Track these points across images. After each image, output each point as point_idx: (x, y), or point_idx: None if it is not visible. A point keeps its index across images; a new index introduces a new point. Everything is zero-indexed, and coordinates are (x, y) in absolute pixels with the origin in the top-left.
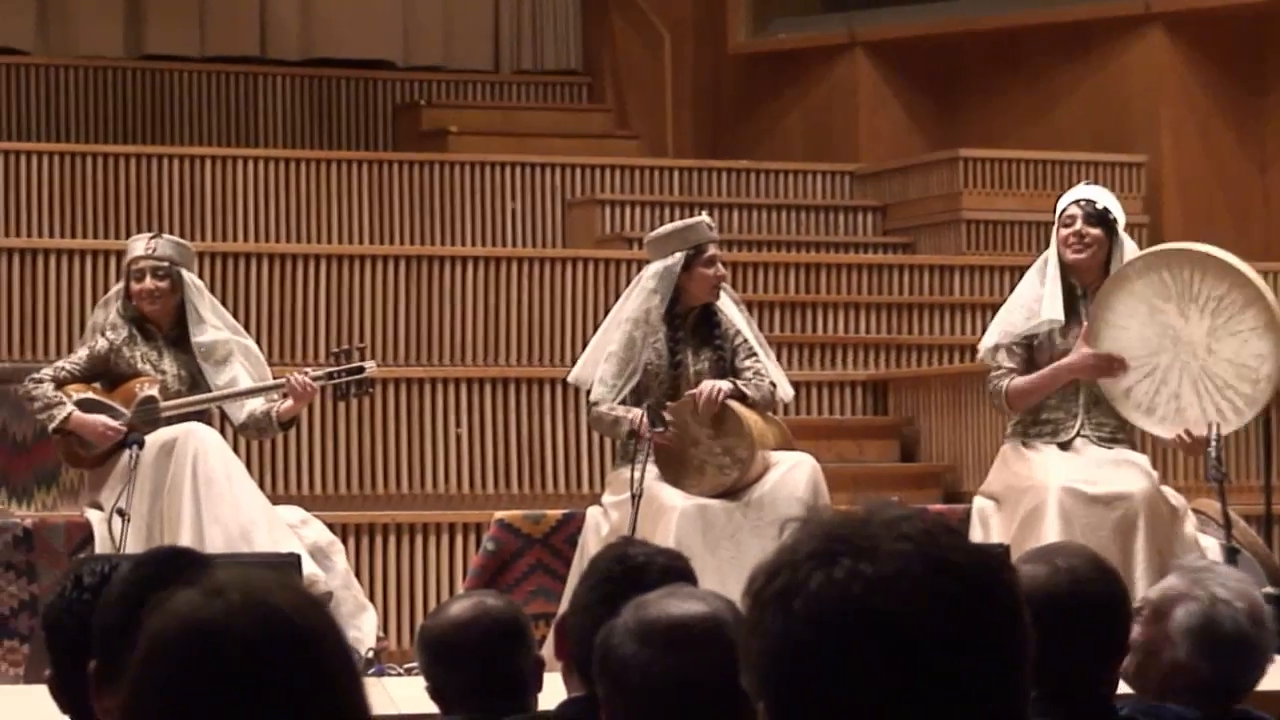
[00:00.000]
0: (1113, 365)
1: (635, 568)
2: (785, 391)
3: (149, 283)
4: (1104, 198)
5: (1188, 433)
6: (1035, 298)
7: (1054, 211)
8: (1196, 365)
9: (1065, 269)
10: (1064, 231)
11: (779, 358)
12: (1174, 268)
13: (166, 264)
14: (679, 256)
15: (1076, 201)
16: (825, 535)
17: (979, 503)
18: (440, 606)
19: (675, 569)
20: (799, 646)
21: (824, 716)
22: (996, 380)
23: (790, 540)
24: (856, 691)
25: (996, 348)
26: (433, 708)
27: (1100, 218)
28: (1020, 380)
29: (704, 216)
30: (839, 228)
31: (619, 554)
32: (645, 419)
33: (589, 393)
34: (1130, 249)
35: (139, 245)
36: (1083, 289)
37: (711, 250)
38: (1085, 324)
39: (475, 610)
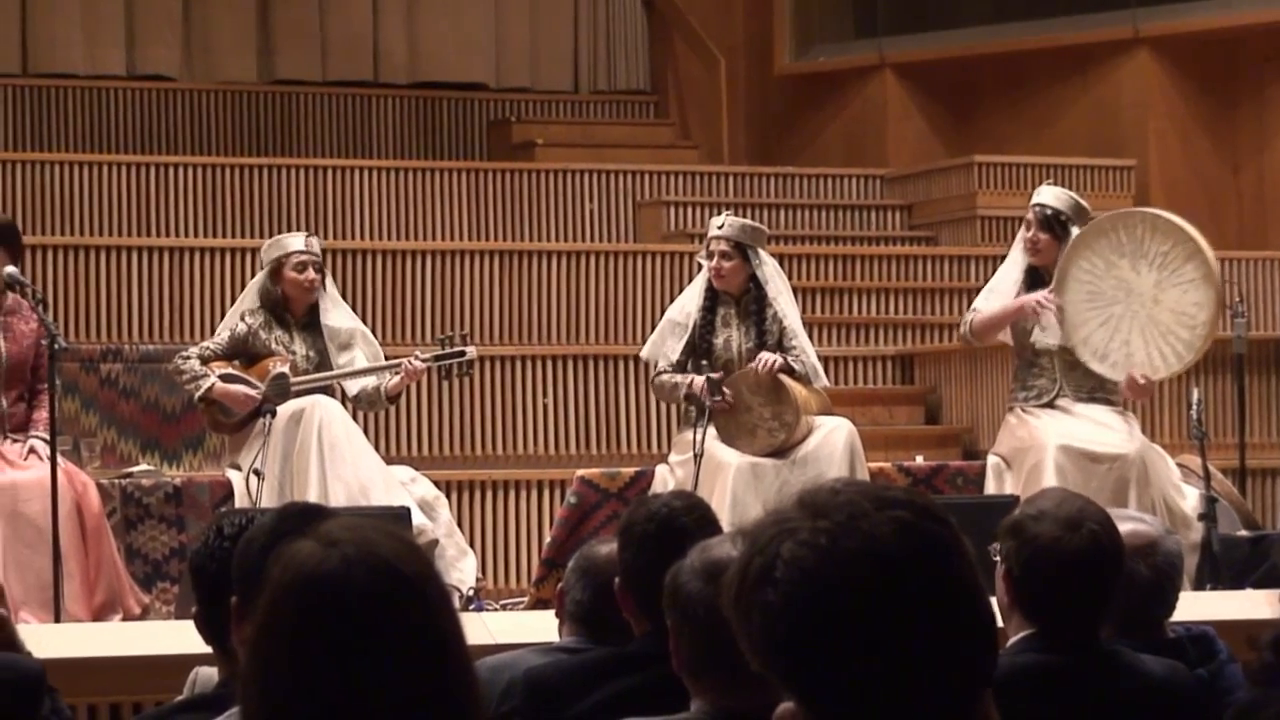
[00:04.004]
0: (1041, 302)
1: (664, 519)
2: (822, 383)
3: (310, 274)
4: (1056, 200)
5: (1132, 376)
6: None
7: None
8: (1144, 314)
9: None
10: (1024, 233)
11: (820, 337)
12: (1129, 227)
13: (320, 259)
14: (704, 253)
15: (1034, 206)
16: (771, 523)
17: (992, 460)
18: (599, 539)
19: (694, 506)
20: (797, 601)
21: (838, 650)
22: (967, 318)
23: (742, 546)
24: (855, 621)
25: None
26: (523, 637)
27: (1050, 222)
28: (981, 314)
29: (722, 216)
30: (871, 224)
31: (647, 514)
32: (706, 390)
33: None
34: None
35: (298, 241)
36: (1043, 270)
37: (713, 245)
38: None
39: (605, 552)
